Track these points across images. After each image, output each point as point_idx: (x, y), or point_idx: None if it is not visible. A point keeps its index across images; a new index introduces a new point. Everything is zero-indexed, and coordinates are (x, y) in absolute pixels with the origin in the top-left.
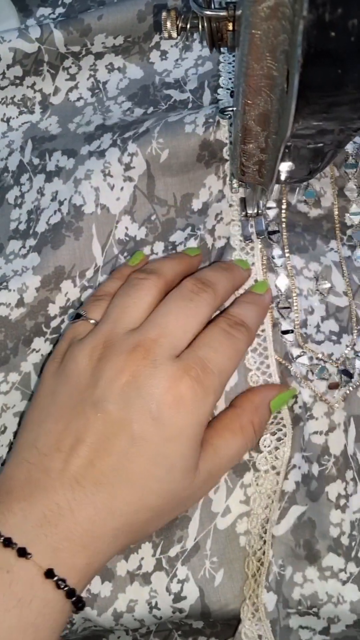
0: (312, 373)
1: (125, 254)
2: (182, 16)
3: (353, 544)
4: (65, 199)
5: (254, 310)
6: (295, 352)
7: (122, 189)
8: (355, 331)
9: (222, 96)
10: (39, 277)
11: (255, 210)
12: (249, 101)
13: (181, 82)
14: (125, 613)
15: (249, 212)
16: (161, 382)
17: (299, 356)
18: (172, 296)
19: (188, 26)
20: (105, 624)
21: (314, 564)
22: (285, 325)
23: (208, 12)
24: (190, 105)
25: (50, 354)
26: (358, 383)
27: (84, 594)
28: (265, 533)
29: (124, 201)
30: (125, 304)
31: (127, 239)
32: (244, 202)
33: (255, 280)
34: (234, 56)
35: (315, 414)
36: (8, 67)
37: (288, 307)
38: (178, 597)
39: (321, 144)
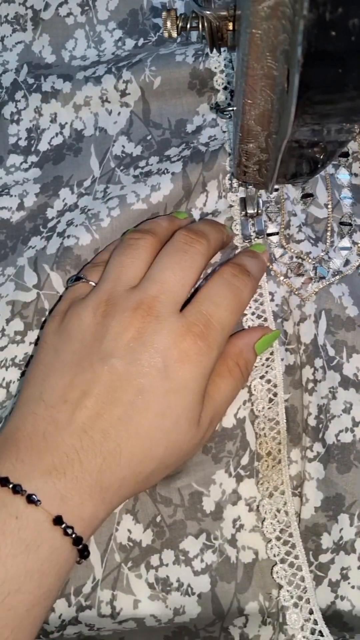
0: (291, 271)
1: (122, 167)
2: (182, 16)
3: (320, 426)
4: (67, 123)
5: (257, 262)
6: (278, 252)
7: (119, 114)
8: (329, 242)
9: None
10: (38, 185)
11: (255, 210)
12: (249, 101)
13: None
14: None
15: (249, 211)
16: (166, 337)
17: (281, 256)
18: (166, 250)
19: (188, 26)
20: None
21: (297, 446)
22: (271, 228)
23: (208, 12)
24: (178, 40)
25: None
26: (331, 281)
27: None
28: (280, 445)
29: (121, 124)
30: (123, 263)
31: (124, 155)
32: (244, 202)
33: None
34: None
35: (290, 307)
36: None
37: (276, 212)
38: None
39: (322, 143)
